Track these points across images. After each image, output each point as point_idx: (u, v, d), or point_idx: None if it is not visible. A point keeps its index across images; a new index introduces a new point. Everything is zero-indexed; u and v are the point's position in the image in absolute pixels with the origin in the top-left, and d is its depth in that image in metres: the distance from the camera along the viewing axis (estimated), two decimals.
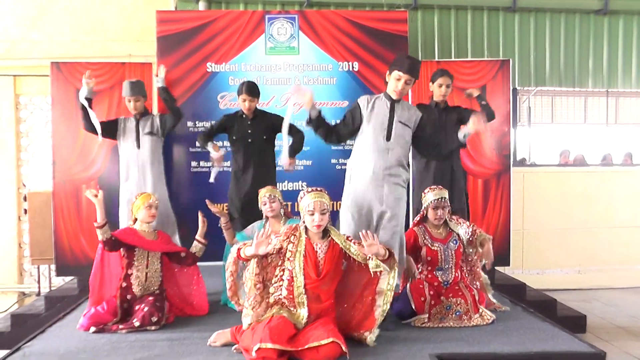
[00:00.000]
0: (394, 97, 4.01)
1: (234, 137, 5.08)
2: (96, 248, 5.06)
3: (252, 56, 6.12)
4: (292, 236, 3.63)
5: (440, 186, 4.32)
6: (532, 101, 8.26)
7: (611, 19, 7.33)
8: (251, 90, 4.99)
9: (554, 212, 7.28)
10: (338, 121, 4.18)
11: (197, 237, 4.47)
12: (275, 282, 3.60)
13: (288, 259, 3.58)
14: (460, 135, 4.15)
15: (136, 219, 4.35)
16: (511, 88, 6.28)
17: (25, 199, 6.71)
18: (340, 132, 4.11)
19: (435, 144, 4.26)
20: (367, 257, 3.54)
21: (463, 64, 6.28)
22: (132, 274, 4.22)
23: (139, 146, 5.21)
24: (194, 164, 6.13)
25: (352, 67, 6.12)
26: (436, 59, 6.69)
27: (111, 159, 5.84)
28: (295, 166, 5.21)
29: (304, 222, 3.65)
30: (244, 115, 5.08)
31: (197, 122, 6.11)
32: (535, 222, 7.24)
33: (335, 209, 4.19)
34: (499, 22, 7.13)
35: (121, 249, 4.22)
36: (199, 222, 4.47)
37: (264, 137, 5.05)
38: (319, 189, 3.64)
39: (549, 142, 9.20)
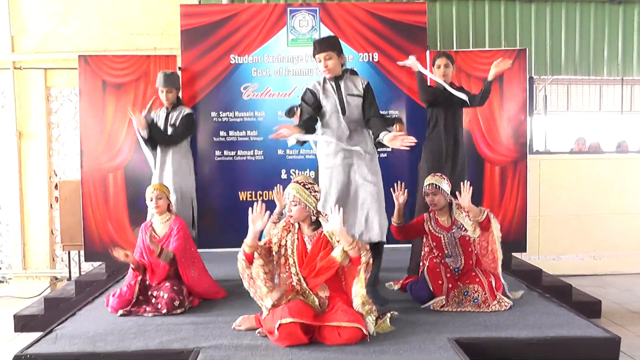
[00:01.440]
0: (327, 76, 4.22)
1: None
2: (122, 235, 5.26)
3: (274, 48, 6.23)
4: (291, 225, 3.69)
5: (439, 174, 4.39)
6: (548, 90, 8.31)
7: (626, 8, 7.33)
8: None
9: (569, 199, 7.34)
10: (303, 115, 4.30)
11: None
12: (285, 274, 3.67)
13: (286, 251, 3.64)
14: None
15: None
16: (527, 77, 6.34)
17: (56, 187, 6.88)
18: (315, 116, 4.25)
19: (379, 114, 4.35)
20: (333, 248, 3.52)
21: (480, 53, 6.34)
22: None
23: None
24: (217, 153, 6.25)
25: (372, 58, 6.23)
26: (454, 49, 6.78)
27: (136, 149, 5.95)
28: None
29: None
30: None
31: (220, 113, 6.25)
32: (551, 209, 7.30)
33: None
34: (515, 12, 7.17)
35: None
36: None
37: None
38: (301, 181, 3.62)
39: (565, 130, 9.25)
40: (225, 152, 6.27)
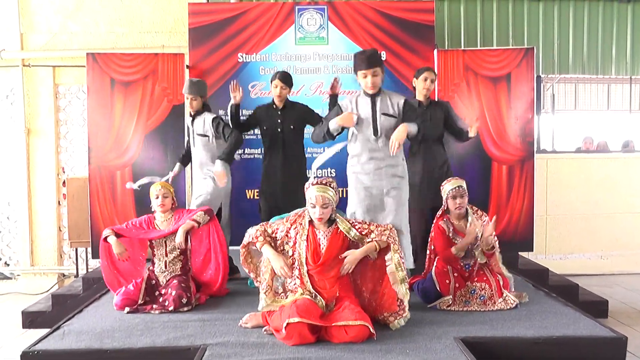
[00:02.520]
0: (370, 92, 4.03)
1: (265, 128, 5.13)
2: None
3: (282, 46, 6.24)
4: (299, 224, 3.71)
5: (456, 177, 4.39)
6: (556, 88, 8.30)
7: (635, 7, 7.30)
8: (285, 78, 5.07)
9: (576, 198, 7.32)
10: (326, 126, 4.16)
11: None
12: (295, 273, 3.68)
13: (293, 246, 3.67)
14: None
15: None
16: (535, 76, 6.32)
17: (64, 184, 6.91)
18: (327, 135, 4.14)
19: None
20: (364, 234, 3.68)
21: (488, 52, 6.33)
22: (155, 262, 4.40)
23: (194, 144, 5.11)
24: None
25: (380, 57, 6.22)
26: (462, 48, 6.77)
27: (144, 146, 6.03)
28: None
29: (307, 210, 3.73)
30: (274, 106, 5.14)
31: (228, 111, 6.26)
32: (558, 208, 7.29)
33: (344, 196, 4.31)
34: (523, 11, 7.15)
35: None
36: None
37: (292, 127, 5.08)
38: (324, 181, 3.65)
39: (572, 129, 9.24)
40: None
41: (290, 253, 3.70)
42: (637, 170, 7.44)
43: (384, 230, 3.69)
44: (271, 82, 5.14)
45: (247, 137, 6.19)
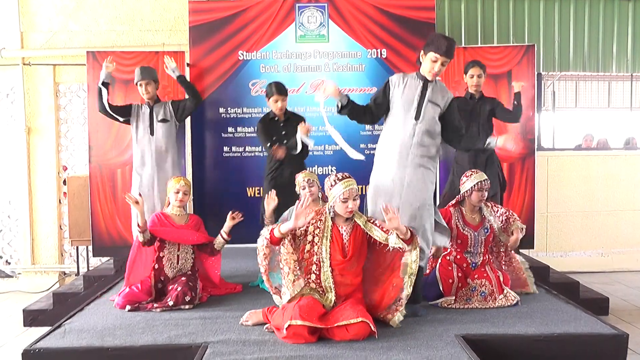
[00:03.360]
0: (429, 78, 3.91)
1: (273, 139, 5.09)
2: (130, 230, 5.30)
3: (282, 44, 6.24)
4: (319, 221, 3.69)
5: (476, 170, 4.40)
6: (557, 86, 8.28)
7: (636, 4, 7.28)
8: (281, 89, 5.11)
9: (577, 196, 7.33)
10: (369, 102, 4.08)
11: (222, 230, 4.46)
12: (303, 266, 3.66)
13: (315, 244, 3.65)
14: (489, 142, 4.06)
15: (169, 203, 4.47)
16: (536, 73, 6.34)
17: (64, 182, 6.91)
18: (372, 110, 4.02)
19: (459, 131, 4.14)
20: (388, 235, 3.58)
21: (489, 49, 6.35)
22: (164, 256, 4.33)
23: (152, 133, 5.42)
24: (225, 149, 6.26)
25: (381, 54, 6.24)
26: (463, 45, 6.76)
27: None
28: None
29: (332, 207, 3.67)
30: (276, 118, 5.16)
31: (229, 109, 6.25)
32: (559, 205, 7.30)
33: (362, 193, 4.26)
34: (524, 8, 7.14)
35: None
36: (227, 217, 4.43)
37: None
38: (346, 175, 3.67)
39: (573, 127, 9.23)
40: (234, 148, 6.28)
41: (307, 248, 3.67)
42: (637, 168, 7.45)
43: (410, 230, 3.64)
44: (268, 98, 5.14)
45: (247, 135, 6.22)
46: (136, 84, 5.45)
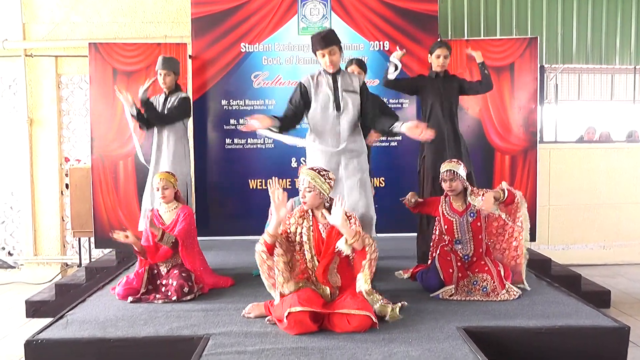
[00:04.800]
0: (330, 71, 4.13)
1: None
2: (133, 222, 5.28)
3: (285, 36, 6.24)
4: (304, 219, 3.67)
5: (455, 160, 4.37)
6: (559, 78, 8.25)
7: None
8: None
9: (579, 189, 7.32)
10: (285, 111, 4.21)
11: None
12: (297, 266, 3.65)
13: (301, 238, 3.64)
14: (394, 125, 4.06)
15: None
16: (538, 66, 6.33)
17: (67, 174, 6.94)
18: (290, 117, 4.17)
19: (372, 113, 4.25)
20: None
21: (492, 42, 6.34)
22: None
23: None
24: (228, 141, 6.27)
25: (383, 47, 6.23)
26: (465, 38, 6.75)
27: (147, 136, 5.96)
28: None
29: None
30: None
31: (231, 101, 6.28)
32: (561, 198, 7.29)
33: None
34: (527, 0, 7.13)
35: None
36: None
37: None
38: (315, 168, 3.69)
39: (576, 119, 9.20)
40: (236, 140, 6.29)
41: (298, 248, 3.66)
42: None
43: (365, 237, 3.54)
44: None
45: None
46: (156, 71, 5.34)
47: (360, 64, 5.01)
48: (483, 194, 4.24)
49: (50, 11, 6.96)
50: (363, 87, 4.21)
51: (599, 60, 7.33)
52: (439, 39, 5.52)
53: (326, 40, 4.07)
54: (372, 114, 4.20)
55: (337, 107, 4.11)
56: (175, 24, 6.95)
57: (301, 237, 3.64)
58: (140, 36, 6.89)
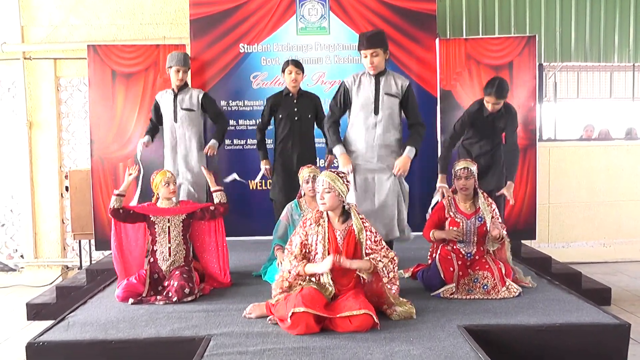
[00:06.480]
0: (371, 72, 4.18)
1: (280, 116, 5.19)
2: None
3: (283, 37, 6.24)
4: (319, 225, 3.66)
5: (469, 159, 4.43)
6: (558, 76, 8.27)
7: None
8: (298, 63, 5.22)
9: (579, 186, 7.33)
10: (331, 110, 4.37)
11: (211, 189, 4.62)
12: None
13: (316, 245, 3.62)
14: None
15: (158, 197, 4.37)
16: (537, 64, 6.32)
17: (66, 176, 6.93)
18: (337, 119, 4.35)
19: (416, 119, 4.35)
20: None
21: (490, 40, 6.33)
22: (157, 250, 4.30)
23: (176, 120, 5.16)
24: (227, 142, 6.23)
25: (384, 38, 6.21)
26: (464, 37, 6.75)
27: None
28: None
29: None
30: (290, 94, 5.21)
31: (230, 102, 6.27)
32: (561, 196, 7.29)
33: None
34: None
35: (146, 225, 4.34)
36: (204, 173, 4.69)
37: (309, 115, 5.21)
38: (333, 170, 3.72)
39: (575, 117, 9.22)
40: (235, 141, 6.30)
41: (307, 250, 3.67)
42: (639, 158, 7.43)
43: (385, 259, 3.58)
44: (283, 71, 5.22)
45: (249, 128, 6.23)
46: (169, 67, 5.20)
47: (297, 64, 5.22)
48: (493, 210, 4.31)
49: (49, 14, 6.96)
50: (407, 90, 4.26)
51: (598, 58, 7.31)
52: None
53: (370, 41, 4.10)
54: (410, 123, 4.34)
55: (376, 110, 4.18)
56: (174, 25, 6.95)
57: (316, 243, 3.62)
58: (139, 38, 6.88)
